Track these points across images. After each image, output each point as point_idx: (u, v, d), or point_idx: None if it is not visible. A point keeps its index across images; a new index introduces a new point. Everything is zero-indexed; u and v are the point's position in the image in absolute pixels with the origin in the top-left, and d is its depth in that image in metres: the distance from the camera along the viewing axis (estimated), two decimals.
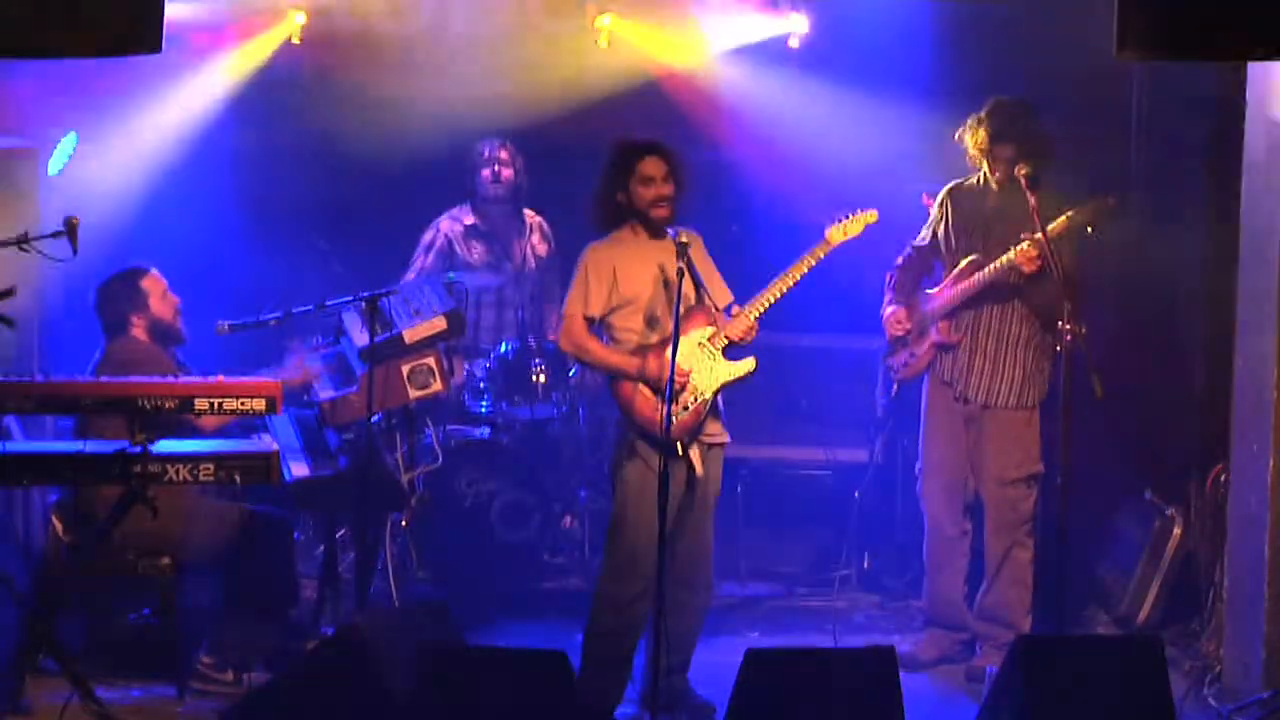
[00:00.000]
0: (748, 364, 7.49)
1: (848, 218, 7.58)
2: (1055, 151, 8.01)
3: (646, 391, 7.37)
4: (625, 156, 7.45)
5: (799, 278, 7.47)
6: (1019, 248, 7.83)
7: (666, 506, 7.04)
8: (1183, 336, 9.04)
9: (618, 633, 7.44)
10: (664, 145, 7.50)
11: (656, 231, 7.43)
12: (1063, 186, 8.01)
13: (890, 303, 8.32)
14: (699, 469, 7.42)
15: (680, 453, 7.36)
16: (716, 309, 7.50)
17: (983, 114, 8.08)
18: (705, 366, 7.43)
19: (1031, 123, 8.03)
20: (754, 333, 7.46)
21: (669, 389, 7.15)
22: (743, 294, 7.60)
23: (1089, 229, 7.86)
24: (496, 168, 9.49)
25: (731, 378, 7.47)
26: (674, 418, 7.28)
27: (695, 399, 7.39)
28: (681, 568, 7.40)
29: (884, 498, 9.44)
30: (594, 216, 7.53)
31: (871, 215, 7.61)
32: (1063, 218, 7.82)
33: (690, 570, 7.47)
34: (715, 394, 7.43)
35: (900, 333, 8.27)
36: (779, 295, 7.47)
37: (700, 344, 7.43)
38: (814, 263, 7.49)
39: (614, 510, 7.47)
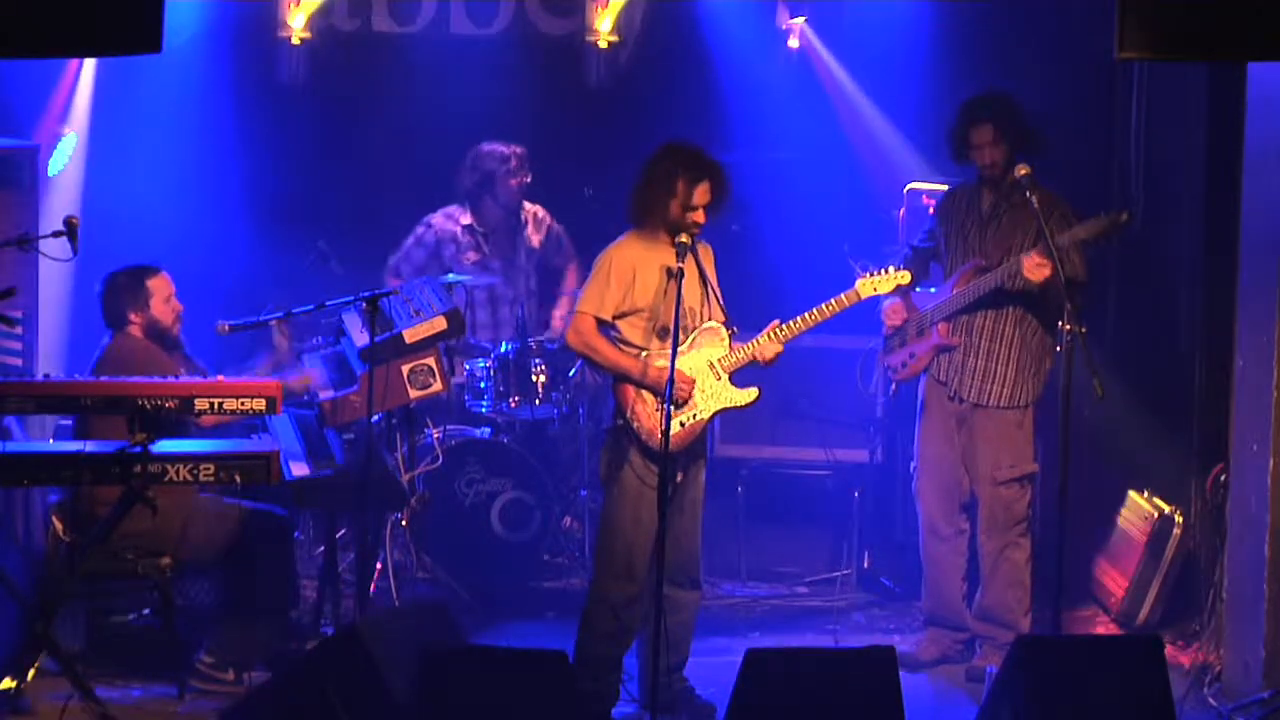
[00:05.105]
0: (750, 394, 7.44)
1: (880, 273, 7.61)
2: (1040, 140, 7.95)
3: (648, 398, 7.33)
4: (684, 169, 7.29)
5: (826, 318, 7.46)
6: (1028, 259, 7.73)
7: (666, 510, 7.04)
8: (1183, 336, 9.04)
9: (614, 635, 7.44)
10: (723, 173, 7.36)
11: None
12: (1063, 189, 8.00)
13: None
14: (679, 475, 7.39)
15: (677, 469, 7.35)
16: (732, 330, 7.46)
17: (960, 107, 8.07)
18: (710, 387, 7.39)
19: (1008, 107, 7.97)
20: (778, 358, 7.42)
21: (668, 390, 7.13)
22: (744, 296, 7.58)
23: (1098, 242, 7.84)
24: (521, 178, 9.47)
25: (732, 405, 7.42)
26: (670, 429, 7.27)
27: (694, 417, 7.37)
28: (673, 569, 7.38)
29: (884, 498, 9.44)
30: (631, 208, 7.39)
31: (904, 276, 7.64)
32: (1069, 234, 7.78)
33: (681, 571, 7.46)
34: (713, 416, 7.40)
35: (898, 322, 8.22)
36: (805, 329, 7.44)
37: (710, 363, 7.41)
38: (839, 309, 7.49)
39: (605, 515, 7.45)
